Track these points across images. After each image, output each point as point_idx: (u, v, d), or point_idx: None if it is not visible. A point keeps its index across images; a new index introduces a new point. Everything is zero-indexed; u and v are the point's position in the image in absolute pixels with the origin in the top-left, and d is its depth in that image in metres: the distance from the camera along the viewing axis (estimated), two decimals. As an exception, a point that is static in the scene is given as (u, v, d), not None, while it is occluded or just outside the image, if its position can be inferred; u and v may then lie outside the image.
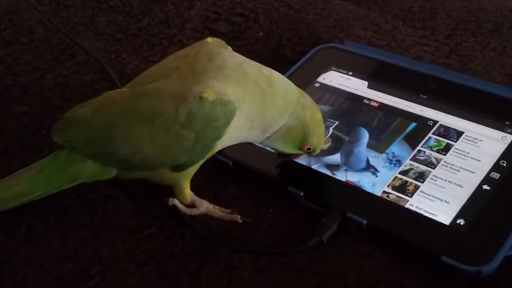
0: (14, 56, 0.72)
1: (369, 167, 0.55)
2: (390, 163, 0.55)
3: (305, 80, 0.64)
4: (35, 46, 0.74)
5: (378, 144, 0.57)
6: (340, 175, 0.55)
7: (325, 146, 0.57)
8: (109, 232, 0.53)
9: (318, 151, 0.54)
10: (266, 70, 0.52)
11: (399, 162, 0.55)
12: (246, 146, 0.58)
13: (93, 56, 0.70)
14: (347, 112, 0.61)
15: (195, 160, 0.51)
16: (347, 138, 0.58)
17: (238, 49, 0.52)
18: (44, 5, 0.80)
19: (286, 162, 0.57)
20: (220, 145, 0.51)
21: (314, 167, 0.56)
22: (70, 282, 0.50)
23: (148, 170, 0.52)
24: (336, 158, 0.57)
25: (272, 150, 0.55)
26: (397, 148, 0.56)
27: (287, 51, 0.71)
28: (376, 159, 0.56)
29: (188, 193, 0.54)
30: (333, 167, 0.56)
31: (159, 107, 0.49)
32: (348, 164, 0.56)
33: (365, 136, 0.58)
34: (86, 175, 0.53)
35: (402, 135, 0.57)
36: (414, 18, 0.79)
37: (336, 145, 0.58)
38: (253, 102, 0.50)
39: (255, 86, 0.50)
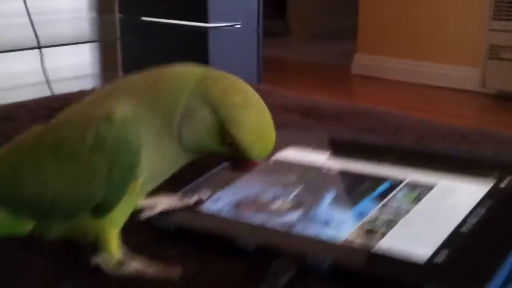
0: None
1: (330, 224, 0.47)
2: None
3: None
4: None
5: (344, 203, 0.50)
6: (297, 231, 0.47)
7: (283, 206, 0.50)
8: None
9: (251, 152, 0.42)
10: (159, 70, 0.45)
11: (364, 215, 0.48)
12: (189, 211, 0.51)
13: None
14: (307, 180, 0.54)
15: (115, 197, 0.43)
16: (308, 201, 0.51)
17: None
18: None
19: (232, 222, 0.49)
20: (142, 175, 0.43)
21: (267, 226, 0.48)
22: None
23: (65, 218, 0.44)
24: (294, 216, 0.49)
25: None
26: (367, 205, 0.49)
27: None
28: (342, 216, 0.48)
29: (114, 250, 0.45)
30: (290, 225, 0.48)
31: (65, 134, 0.43)
32: (307, 221, 0.48)
33: (327, 198, 0.51)
34: None
35: (374, 194, 0.50)
36: (378, 130, 0.75)
37: (296, 206, 0.50)
38: (148, 112, 0.43)
39: (143, 96, 0.43)
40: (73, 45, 1.93)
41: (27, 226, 0.45)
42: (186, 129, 0.42)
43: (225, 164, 0.55)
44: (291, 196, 0.52)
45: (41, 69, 1.79)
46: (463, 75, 2.99)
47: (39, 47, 1.72)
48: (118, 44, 2.18)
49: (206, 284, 0.44)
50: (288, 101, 0.87)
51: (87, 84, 2.15)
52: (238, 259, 0.46)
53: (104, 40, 2.16)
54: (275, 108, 0.82)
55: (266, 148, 0.43)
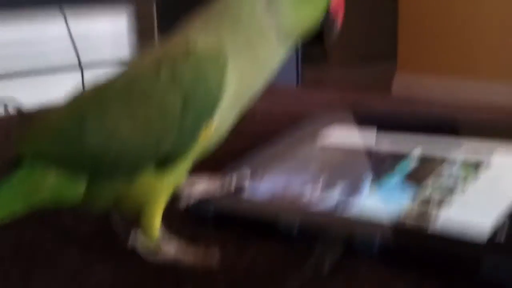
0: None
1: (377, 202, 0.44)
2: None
3: (303, 139, 0.56)
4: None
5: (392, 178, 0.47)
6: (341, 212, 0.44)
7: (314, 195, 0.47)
8: (48, 277, 0.41)
9: None
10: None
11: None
12: (228, 196, 0.48)
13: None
14: (351, 161, 0.51)
15: (184, 142, 0.40)
16: (344, 191, 0.47)
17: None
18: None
19: (276, 205, 0.46)
20: (220, 119, 0.41)
21: (309, 208, 0.45)
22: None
23: (128, 171, 0.41)
24: (333, 199, 0.46)
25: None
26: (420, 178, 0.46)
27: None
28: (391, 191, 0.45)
29: (156, 226, 0.42)
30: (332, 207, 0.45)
31: (138, 73, 0.40)
32: (349, 203, 0.45)
33: (364, 189, 0.47)
34: (47, 189, 0.41)
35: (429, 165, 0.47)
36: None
37: (333, 190, 0.47)
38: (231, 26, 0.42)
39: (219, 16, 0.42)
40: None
41: (78, 187, 0.41)
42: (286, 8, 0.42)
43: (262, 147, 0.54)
44: (327, 180, 0.48)
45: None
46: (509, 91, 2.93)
47: (81, 68, 1.73)
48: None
49: (246, 268, 0.40)
50: (331, 98, 0.84)
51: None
52: (280, 243, 0.43)
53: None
54: (318, 105, 0.80)
55: None
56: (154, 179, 0.41)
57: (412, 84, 3.28)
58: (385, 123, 0.56)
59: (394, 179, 0.46)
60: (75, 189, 0.41)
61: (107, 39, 2.13)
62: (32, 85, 1.87)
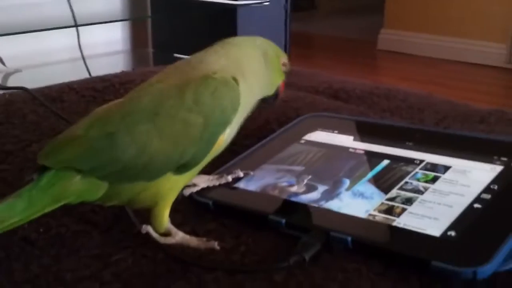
0: (2, 132, 0.72)
1: (354, 201, 0.53)
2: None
3: (290, 139, 0.64)
4: (25, 126, 0.75)
5: (366, 182, 0.55)
6: (324, 206, 0.52)
7: (301, 190, 0.55)
8: (75, 260, 0.50)
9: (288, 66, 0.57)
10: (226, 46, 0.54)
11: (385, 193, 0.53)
12: (226, 187, 0.56)
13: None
14: (331, 162, 0.59)
15: (202, 152, 0.48)
16: (326, 187, 0.55)
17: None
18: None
19: (267, 197, 0.54)
20: (229, 131, 0.50)
21: (297, 201, 0.54)
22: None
23: (149, 177, 0.48)
24: (316, 194, 0.54)
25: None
26: (386, 184, 0.54)
27: (274, 127, 0.72)
28: (365, 193, 0.53)
29: (165, 218, 0.50)
30: (316, 201, 0.53)
31: (163, 97, 0.48)
32: (330, 199, 0.53)
33: (345, 185, 0.55)
34: (72, 193, 0.48)
35: (393, 174, 0.55)
36: (402, 112, 0.80)
37: (314, 187, 0.55)
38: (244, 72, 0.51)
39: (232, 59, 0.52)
40: (106, 23, 1.98)
41: (100, 190, 0.48)
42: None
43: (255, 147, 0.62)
44: (311, 177, 0.57)
45: (75, 46, 1.85)
46: (490, 51, 3.00)
47: (76, 25, 1.78)
48: (149, 21, 2.23)
49: (242, 254, 0.49)
50: (316, 82, 0.92)
51: (119, 60, 2.21)
52: (271, 231, 0.51)
53: (135, 18, 2.20)
54: (304, 90, 0.88)
55: None
56: (170, 182, 0.49)
57: (396, 40, 3.34)
58: (363, 131, 0.65)
59: (368, 180, 0.55)
60: (97, 191, 0.48)
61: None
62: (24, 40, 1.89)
